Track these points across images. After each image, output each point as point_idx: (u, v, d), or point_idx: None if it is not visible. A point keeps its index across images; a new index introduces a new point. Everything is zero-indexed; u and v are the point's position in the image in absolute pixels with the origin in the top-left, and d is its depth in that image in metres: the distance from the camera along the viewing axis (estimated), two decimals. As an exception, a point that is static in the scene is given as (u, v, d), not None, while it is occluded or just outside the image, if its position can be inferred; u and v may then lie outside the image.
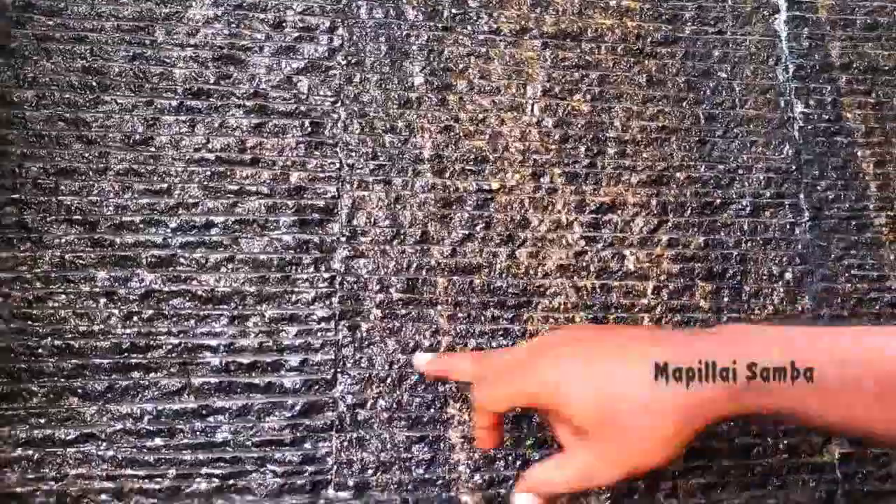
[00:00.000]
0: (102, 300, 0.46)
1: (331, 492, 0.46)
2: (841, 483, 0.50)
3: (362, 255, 0.49)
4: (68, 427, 0.45)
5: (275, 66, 0.51)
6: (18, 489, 0.44)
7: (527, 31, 0.54)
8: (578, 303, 0.51)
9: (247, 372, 0.47)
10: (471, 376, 0.41)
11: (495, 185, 0.51)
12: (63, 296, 0.46)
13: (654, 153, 0.54)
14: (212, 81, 0.50)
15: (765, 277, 0.53)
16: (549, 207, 0.52)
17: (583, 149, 0.53)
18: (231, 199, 0.48)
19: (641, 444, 0.34)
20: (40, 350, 0.45)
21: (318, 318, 0.48)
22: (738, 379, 0.33)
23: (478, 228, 0.51)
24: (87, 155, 0.48)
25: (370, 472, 0.47)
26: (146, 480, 0.45)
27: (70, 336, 0.46)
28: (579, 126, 0.53)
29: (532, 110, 0.53)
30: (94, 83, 0.49)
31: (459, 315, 0.49)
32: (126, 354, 0.46)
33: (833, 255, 0.54)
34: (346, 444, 0.47)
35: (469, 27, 0.53)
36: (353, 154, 0.50)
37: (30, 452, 0.44)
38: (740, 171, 0.54)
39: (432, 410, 0.48)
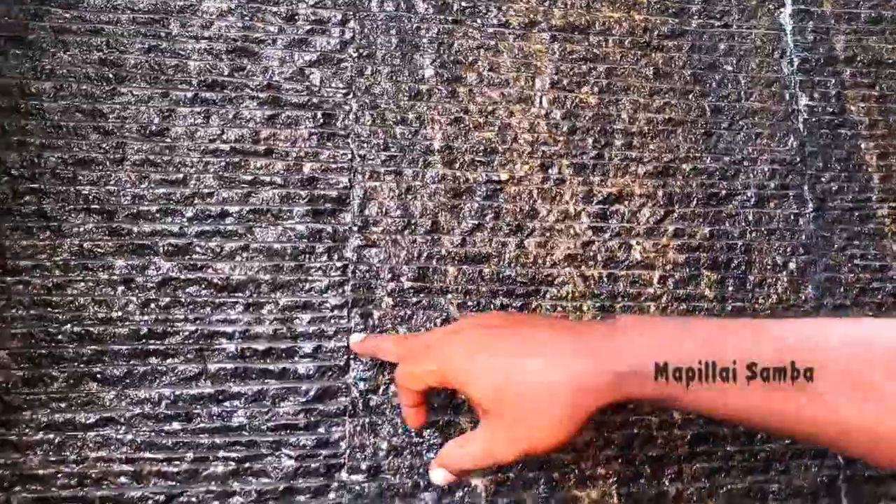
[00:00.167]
0: (120, 288, 0.47)
1: (344, 475, 0.47)
2: (842, 468, 0.51)
3: (374, 245, 0.50)
4: (88, 411, 0.46)
5: (287, 58, 0.52)
6: (40, 471, 0.45)
7: (535, 24, 0.55)
8: (586, 292, 0.52)
9: (262, 358, 0.48)
10: (394, 356, 0.44)
11: (504, 176, 0.52)
12: (82, 283, 0.47)
13: (661, 145, 0.54)
14: (226, 73, 0.51)
15: (769, 267, 0.54)
16: (558, 198, 0.53)
17: (590, 140, 0.54)
18: (245, 189, 0.49)
19: (536, 426, 0.36)
20: (60, 336, 0.46)
21: (331, 305, 0.49)
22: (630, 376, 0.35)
23: (487, 218, 0.52)
24: (104, 145, 0.48)
25: (382, 455, 0.48)
26: (164, 463, 0.46)
27: (89, 322, 0.47)
28: (587, 118, 0.54)
29: (540, 102, 0.54)
30: (111, 75, 0.49)
31: (469, 303, 0.50)
32: (144, 341, 0.47)
33: (836, 246, 0.55)
34: (358, 428, 0.48)
35: (478, 20, 0.54)
36: (365, 145, 0.51)
37: (51, 436, 0.45)
38: (745, 163, 0.55)
39: (442, 396, 0.49)
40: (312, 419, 0.47)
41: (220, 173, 0.49)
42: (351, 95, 0.52)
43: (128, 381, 0.46)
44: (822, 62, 0.58)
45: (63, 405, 0.46)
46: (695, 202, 0.54)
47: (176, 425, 0.46)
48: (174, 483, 0.46)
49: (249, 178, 0.50)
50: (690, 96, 0.56)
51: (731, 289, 0.53)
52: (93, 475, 0.45)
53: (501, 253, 0.51)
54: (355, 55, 0.52)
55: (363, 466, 0.47)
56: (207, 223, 0.49)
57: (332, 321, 0.49)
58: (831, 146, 0.56)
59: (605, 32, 0.56)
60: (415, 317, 0.50)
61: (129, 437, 0.46)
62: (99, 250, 0.47)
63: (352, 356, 0.48)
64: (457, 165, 0.52)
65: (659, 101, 0.55)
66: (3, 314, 0.46)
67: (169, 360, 0.47)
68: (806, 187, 0.55)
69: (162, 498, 0.45)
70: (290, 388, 0.48)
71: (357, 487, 0.47)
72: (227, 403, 0.47)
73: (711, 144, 0.55)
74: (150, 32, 0.50)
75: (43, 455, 0.45)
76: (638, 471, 0.50)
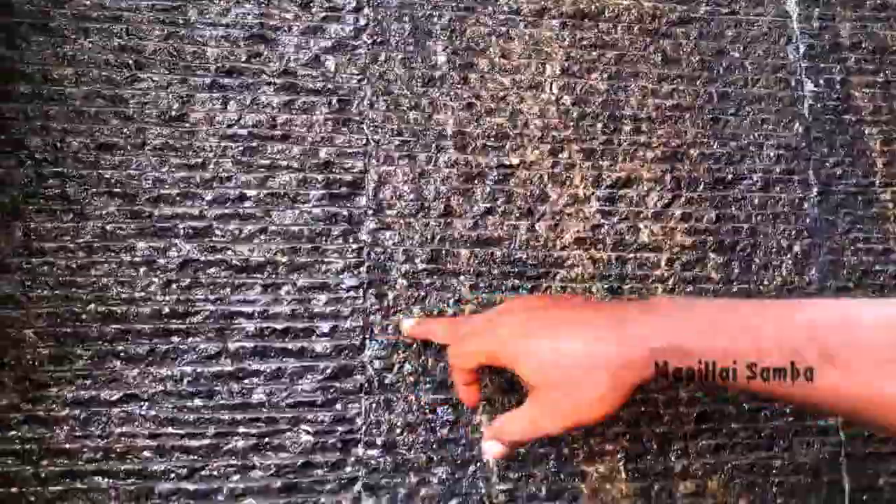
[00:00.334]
0: (143, 269, 0.49)
1: (360, 450, 0.49)
2: (843, 445, 0.52)
3: (388, 228, 0.51)
4: (112, 388, 0.47)
5: (303, 45, 0.53)
6: (67, 446, 0.46)
7: (546, 11, 0.56)
8: (595, 274, 0.53)
9: (280, 337, 0.49)
10: (445, 338, 0.47)
11: (515, 161, 0.53)
12: (105, 264, 0.48)
13: (669, 130, 0.55)
14: (243, 60, 0.52)
15: (774, 250, 0.55)
16: (567, 182, 0.54)
17: (600, 126, 0.55)
18: (263, 174, 0.51)
19: (582, 400, 0.38)
20: (84, 316, 0.48)
21: (347, 286, 0.50)
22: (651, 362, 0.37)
23: (499, 202, 0.53)
24: (125, 130, 0.50)
25: (397, 431, 0.49)
26: (186, 438, 0.47)
27: (112, 302, 0.48)
28: (596, 104, 0.55)
29: (551, 88, 0.55)
30: (131, 61, 0.50)
31: (481, 285, 0.52)
32: (166, 320, 0.48)
33: (840, 229, 0.56)
34: (374, 405, 0.49)
35: (490, 7, 0.55)
36: (379, 130, 0.52)
37: (77, 412, 0.47)
38: (751, 148, 0.56)
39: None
40: (329, 396, 0.49)
41: (239, 158, 0.51)
42: (365, 81, 0.53)
43: (150, 359, 0.48)
44: (827, 49, 0.59)
45: (88, 382, 0.47)
46: (702, 186, 0.55)
47: (197, 402, 0.48)
48: (196, 457, 0.47)
49: (267, 162, 0.51)
50: (698, 82, 0.57)
51: (736, 271, 0.54)
52: (117, 449, 0.47)
53: (513, 236, 0.53)
54: (369, 42, 0.54)
55: (378, 442, 0.49)
56: (226, 206, 0.50)
57: (348, 301, 0.50)
58: (836, 132, 0.57)
59: (614, 19, 0.57)
60: (428, 297, 0.51)
61: (153, 413, 0.47)
62: (121, 232, 0.49)
63: (367, 335, 0.50)
64: (469, 150, 0.53)
65: (667, 87, 0.56)
66: (29, 294, 0.47)
67: (190, 339, 0.48)
68: (811, 172, 0.56)
69: (184, 472, 0.47)
70: (307, 367, 0.49)
71: (373, 462, 0.49)
72: (246, 381, 0.48)
73: (718, 130, 0.56)
74: (168, 19, 0.51)
75: (69, 430, 0.46)
76: (645, 447, 0.51)
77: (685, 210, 0.55)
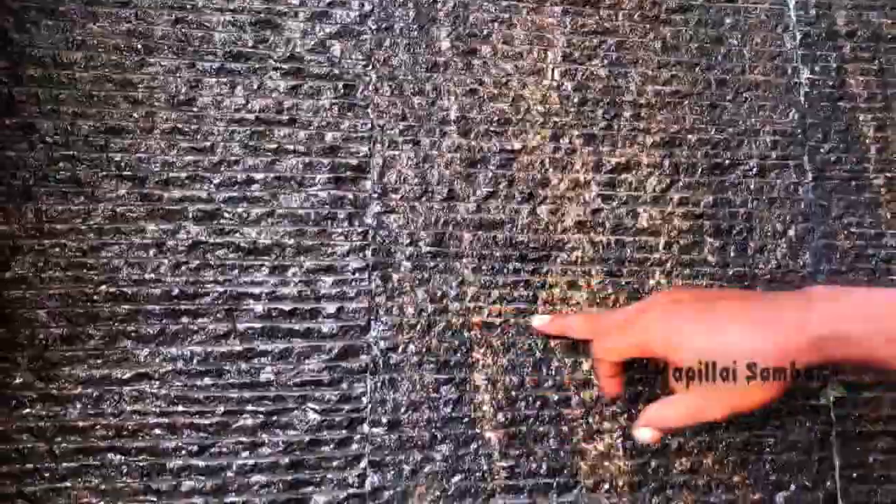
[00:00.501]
0: (152, 251, 0.50)
1: (366, 428, 0.50)
2: (835, 424, 0.54)
3: (393, 211, 0.52)
4: (124, 367, 0.48)
5: (309, 30, 0.53)
6: (80, 423, 0.47)
7: (548, -2, 0.57)
8: (595, 257, 0.54)
9: (287, 318, 0.50)
10: (588, 333, 0.49)
11: (517, 146, 0.55)
12: (116, 246, 0.49)
13: (668, 116, 0.57)
14: (250, 45, 0.52)
15: (769, 234, 0.56)
16: (568, 167, 0.55)
17: (600, 112, 0.56)
18: (270, 157, 0.52)
19: (743, 388, 0.40)
20: (96, 296, 0.49)
21: (353, 269, 0.51)
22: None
23: (501, 186, 0.54)
24: (134, 114, 0.50)
25: (402, 410, 0.50)
26: (196, 416, 0.48)
27: (123, 283, 0.49)
28: (597, 90, 0.56)
29: (552, 75, 0.56)
30: (139, 46, 0.51)
31: (483, 267, 0.53)
32: (176, 301, 0.49)
33: (833, 214, 0.57)
34: (379, 384, 0.50)
35: (493, -6, 0.56)
36: (384, 115, 0.53)
37: (89, 390, 0.48)
38: (748, 134, 0.57)
39: (458, 355, 0.51)
40: (336, 376, 0.50)
41: (246, 142, 0.51)
42: (370, 67, 0.54)
43: (161, 339, 0.49)
44: (823, 37, 0.60)
45: (100, 361, 0.48)
46: (699, 172, 0.56)
47: (207, 381, 0.49)
48: (206, 435, 0.48)
49: (274, 146, 0.52)
50: (697, 69, 0.58)
51: (732, 255, 0.56)
52: (129, 427, 0.48)
53: (514, 219, 0.54)
54: (374, 28, 0.54)
55: (384, 420, 0.50)
56: (234, 189, 0.51)
57: (354, 283, 0.51)
58: (831, 118, 0.58)
59: (614, 6, 0.57)
60: (432, 280, 0.52)
61: (163, 391, 0.48)
62: (131, 215, 0.50)
63: (372, 317, 0.51)
64: (472, 135, 0.54)
65: (666, 74, 0.57)
66: (41, 275, 0.48)
67: (200, 320, 0.49)
68: (806, 158, 0.58)
69: (195, 448, 0.48)
70: (314, 347, 0.50)
71: (378, 439, 0.50)
72: (255, 360, 0.49)
73: (716, 116, 0.57)
74: (176, 4, 0.52)
75: (82, 408, 0.48)
76: (642, 425, 0.52)
77: (683, 195, 0.56)
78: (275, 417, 0.49)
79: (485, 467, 0.50)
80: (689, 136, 0.57)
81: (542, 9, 0.56)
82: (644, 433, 0.45)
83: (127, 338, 0.49)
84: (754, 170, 0.57)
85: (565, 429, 0.52)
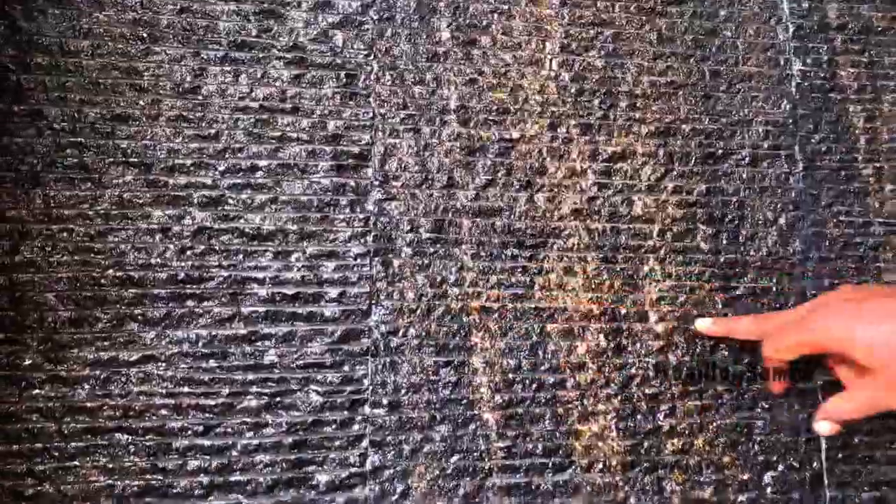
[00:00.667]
0: (158, 236, 0.51)
1: (367, 409, 0.51)
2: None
3: (394, 198, 0.54)
4: (131, 350, 0.49)
5: (312, 20, 0.54)
6: (88, 404, 0.48)
7: (546, -11, 0.58)
8: (591, 244, 0.55)
9: (291, 302, 0.51)
10: (757, 334, 0.52)
11: (516, 135, 0.56)
12: (122, 231, 0.50)
13: (663, 106, 0.58)
14: (254, 34, 0.53)
15: (760, 222, 0.58)
16: (565, 156, 0.56)
17: (597, 102, 0.57)
18: (274, 145, 0.53)
19: None
20: (103, 280, 0.50)
21: (355, 254, 0.53)
22: None
23: (499, 174, 0.55)
24: (140, 102, 0.51)
25: (402, 392, 0.52)
26: (202, 397, 0.50)
27: (130, 268, 0.50)
28: (594, 80, 0.57)
29: (550, 65, 0.57)
30: (145, 34, 0.52)
31: (482, 254, 0.54)
32: (181, 285, 0.50)
33: (823, 203, 0.59)
34: (380, 367, 0.52)
35: (492, -15, 0.57)
36: (385, 104, 0.54)
37: (97, 372, 0.49)
38: (741, 124, 0.59)
39: (457, 339, 0.53)
40: (338, 358, 0.51)
41: (250, 129, 0.52)
42: (372, 56, 0.55)
43: (167, 322, 0.50)
44: (815, 29, 0.61)
45: (107, 344, 0.49)
46: (693, 161, 0.58)
47: (212, 363, 0.50)
48: (211, 415, 0.50)
49: (277, 134, 0.53)
50: (691, 60, 0.59)
51: (724, 242, 0.57)
52: (136, 408, 0.49)
53: (512, 207, 0.55)
54: (376, 18, 0.55)
55: (384, 402, 0.51)
56: (238, 176, 0.52)
57: (356, 269, 0.52)
58: (822, 109, 0.60)
59: (611, -2, 0.59)
60: (432, 265, 0.53)
61: (170, 373, 0.50)
62: (138, 201, 0.51)
63: (373, 301, 0.52)
64: (471, 124, 0.55)
65: (661, 65, 0.58)
66: (50, 259, 0.49)
67: (205, 304, 0.51)
68: (797, 148, 0.59)
69: (200, 429, 0.49)
70: (317, 330, 0.51)
71: (379, 420, 0.51)
72: (259, 343, 0.51)
73: (710, 106, 0.58)
74: (180, -6, 0.53)
75: (90, 389, 0.49)
76: (635, 407, 0.54)
77: (677, 183, 0.57)
78: (278, 399, 0.50)
79: (482, 447, 0.52)
80: (684, 126, 0.58)
81: (541, 0, 0.57)
82: (823, 426, 0.49)
83: (134, 321, 0.50)
84: (746, 159, 0.58)
85: (561, 410, 0.53)
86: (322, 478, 0.50)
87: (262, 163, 0.52)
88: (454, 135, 0.55)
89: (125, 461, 0.48)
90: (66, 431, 0.48)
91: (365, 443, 0.51)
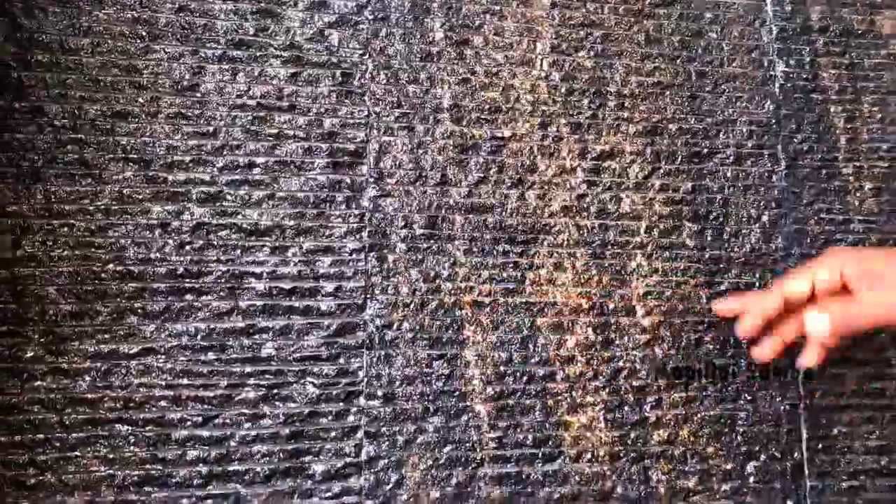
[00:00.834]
0: (158, 231, 0.52)
1: (362, 401, 0.52)
2: (803, 398, 0.57)
3: (388, 195, 0.55)
4: (131, 342, 0.50)
5: (308, 20, 0.55)
6: (89, 395, 0.49)
7: (537, -9, 0.59)
8: (580, 240, 0.57)
9: (287, 296, 0.53)
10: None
11: (507, 133, 0.57)
12: (122, 226, 0.51)
13: (650, 106, 0.59)
14: (251, 33, 0.54)
15: (744, 219, 0.59)
16: (555, 154, 0.58)
17: (586, 101, 0.59)
18: (271, 142, 0.54)
19: None
20: (103, 274, 0.51)
21: (350, 249, 0.54)
22: None
23: (491, 172, 0.56)
24: (139, 99, 0.52)
25: (396, 384, 0.53)
26: (201, 389, 0.51)
27: (130, 262, 0.51)
28: (583, 80, 0.59)
29: (541, 65, 0.58)
30: (144, 33, 0.53)
31: (474, 249, 0.55)
32: (180, 279, 0.51)
33: (805, 201, 0.60)
34: (375, 360, 0.53)
35: (485, -13, 0.58)
36: (380, 103, 0.56)
37: (98, 364, 0.50)
38: (726, 124, 0.60)
39: (450, 332, 0.54)
40: (334, 351, 0.53)
41: (248, 127, 0.53)
42: (367, 56, 0.56)
43: (166, 315, 0.51)
44: (798, 31, 0.63)
45: (108, 336, 0.50)
46: (679, 159, 0.59)
47: (211, 355, 0.51)
48: (210, 407, 0.51)
49: (274, 131, 0.54)
50: (678, 61, 0.60)
51: (709, 238, 0.59)
52: (136, 399, 0.50)
53: (504, 204, 0.56)
54: (371, 18, 0.56)
55: (379, 393, 0.53)
56: (236, 173, 0.53)
57: (351, 264, 0.54)
58: (804, 110, 0.62)
59: (600, 0, 0.60)
60: (425, 261, 0.55)
61: (169, 365, 0.51)
62: (137, 196, 0.52)
63: (368, 296, 0.53)
64: (464, 123, 0.57)
65: (649, 66, 0.60)
66: (51, 254, 0.50)
67: (203, 297, 0.52)
68: (779, 147, 0.61)
69: (199, 420, 0.50)
70: (313, 324, 0.53)
71: (373, 412, 0.53)
72: (256, 336, 0.52)
73: (696, 106, 0.60)
74: (179, -7, 0.54)
75: (91, 381, 0.50)
76: (622, 399, 0.56)
77: (663, 181, 0.59)
78: (275, 390, 0.51)
79: (474, 438, 0.53)
80: (670, 126, 0.59)
81: (532, 1, 0.59)
82: (819, 322, 0.49)
83: (134, 314, 0.51)
84: (731, 158, 0.60)
85: (550, 402, 0.55)
86: (318, 467, 0.51)
87: (260, 159, 0.53)
88: (447, 133, 0.56)
89: (125, 451, 0.49)
90: (67, 422, 0.49)
91: (360, 434, 0.52)
